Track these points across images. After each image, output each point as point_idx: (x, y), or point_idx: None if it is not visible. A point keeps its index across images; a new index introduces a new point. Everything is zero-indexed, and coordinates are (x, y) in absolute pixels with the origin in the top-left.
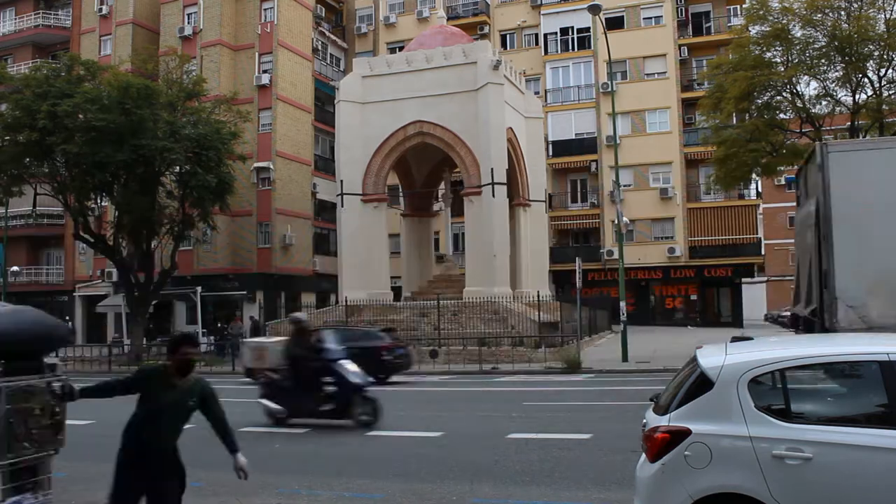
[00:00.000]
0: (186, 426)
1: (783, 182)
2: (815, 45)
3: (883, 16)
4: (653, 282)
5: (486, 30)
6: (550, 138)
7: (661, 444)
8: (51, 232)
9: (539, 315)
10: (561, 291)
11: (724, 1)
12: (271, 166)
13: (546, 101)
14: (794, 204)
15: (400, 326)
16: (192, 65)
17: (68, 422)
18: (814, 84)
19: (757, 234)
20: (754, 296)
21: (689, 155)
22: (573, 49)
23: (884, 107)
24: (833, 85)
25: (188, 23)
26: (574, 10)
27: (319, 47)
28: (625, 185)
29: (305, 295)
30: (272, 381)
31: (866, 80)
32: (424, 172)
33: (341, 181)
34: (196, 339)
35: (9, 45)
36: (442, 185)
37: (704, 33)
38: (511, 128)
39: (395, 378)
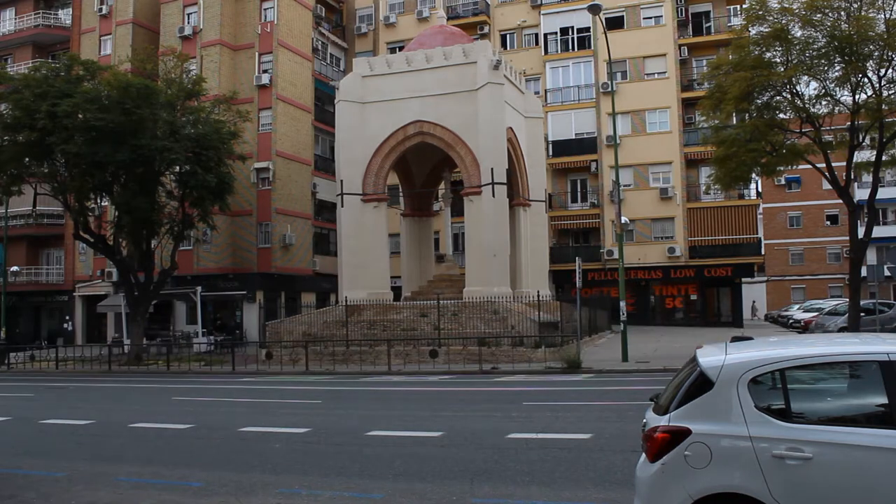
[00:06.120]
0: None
1: (783, 182)
2: (815, 46)
3: (883, 16)
4: (653, 282)
5: (486, 30)
6: (550, 138)
7: (661, 444)
8: (51, 232)
9: (539, 315)
10: (561, 291)
11: (724, 1)
12: (271, 166)
13: (546, 100)
14: (794, 203)
15: (400, 326)
16: (191, 64)
17: (68, 422)
18: (813, 84)
19: (757, 233)
20: (754, 296)
21: (689, 155)
22: (573, 49)
23: (884, 107)
24: (833, 85)
25: (188, 23)
26: (574, 9)
27: (319, 47)
28: (625, 185)
29: (305, 295)
30: None
31: (866, 80)
32: (424, 172)
33: (341, 181)
34: None
35: (9, 45)
36: (442, 185)
37: (704, 33)
38: (511, 127)
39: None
